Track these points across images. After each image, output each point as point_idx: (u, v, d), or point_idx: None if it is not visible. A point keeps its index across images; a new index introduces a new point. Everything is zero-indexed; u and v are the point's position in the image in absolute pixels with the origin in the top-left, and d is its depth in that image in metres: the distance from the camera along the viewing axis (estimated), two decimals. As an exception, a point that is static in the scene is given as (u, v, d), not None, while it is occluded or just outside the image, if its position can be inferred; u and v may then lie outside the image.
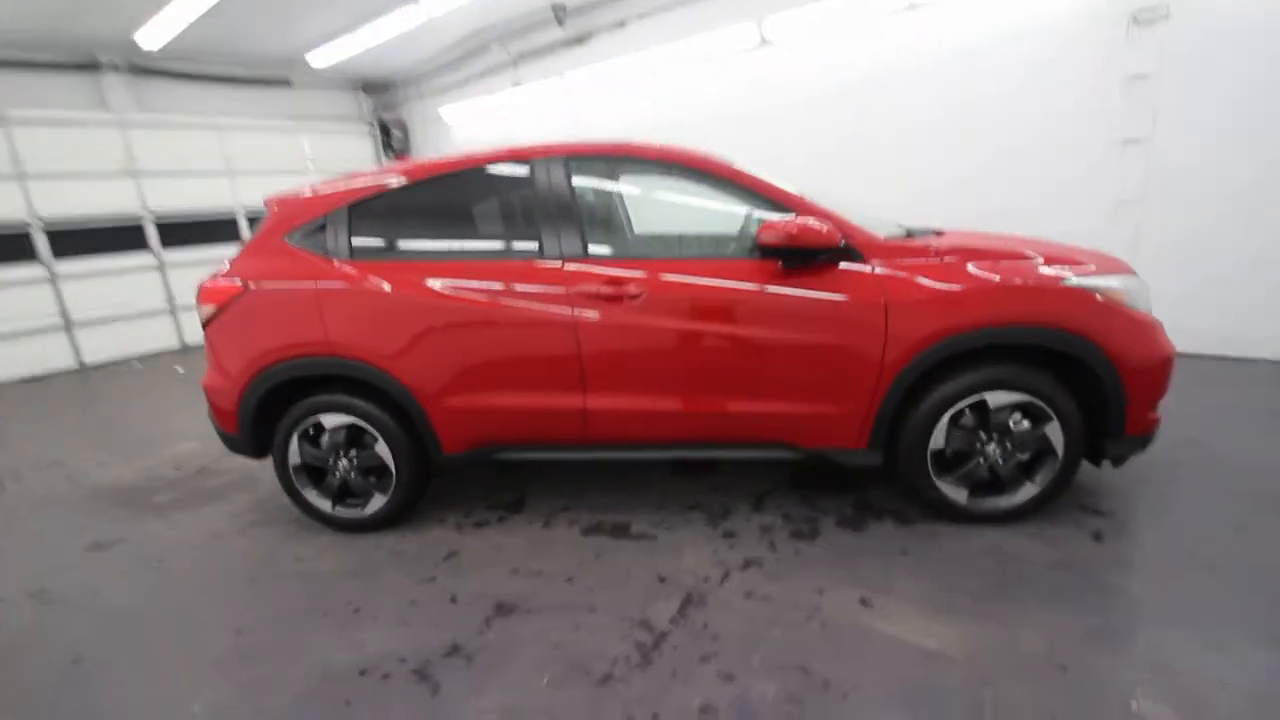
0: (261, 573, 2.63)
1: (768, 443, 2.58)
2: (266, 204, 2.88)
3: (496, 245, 2.74)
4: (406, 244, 2.74)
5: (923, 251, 2.44)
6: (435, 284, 2.56)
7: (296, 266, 2.69)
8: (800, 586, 2.25)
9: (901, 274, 2.38)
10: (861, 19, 5.34)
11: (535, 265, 2.53)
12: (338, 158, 9.50)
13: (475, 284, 2.54)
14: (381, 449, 2.72)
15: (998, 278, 2.35)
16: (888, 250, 2.43)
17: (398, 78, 9.61)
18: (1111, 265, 2.52)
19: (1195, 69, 4.06)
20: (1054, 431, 2.40)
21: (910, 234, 2.71)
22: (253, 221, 8.52)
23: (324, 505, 2.85)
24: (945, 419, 2.43)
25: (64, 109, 6.98)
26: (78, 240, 7.09)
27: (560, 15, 7.08)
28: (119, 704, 1.95)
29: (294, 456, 2.79)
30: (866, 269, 2.39)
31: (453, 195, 2.77)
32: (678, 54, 6.45)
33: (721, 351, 2.47)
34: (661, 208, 2.83)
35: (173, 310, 7.90)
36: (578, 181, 2.59)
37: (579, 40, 7.35)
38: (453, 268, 2.60)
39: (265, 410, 2.77)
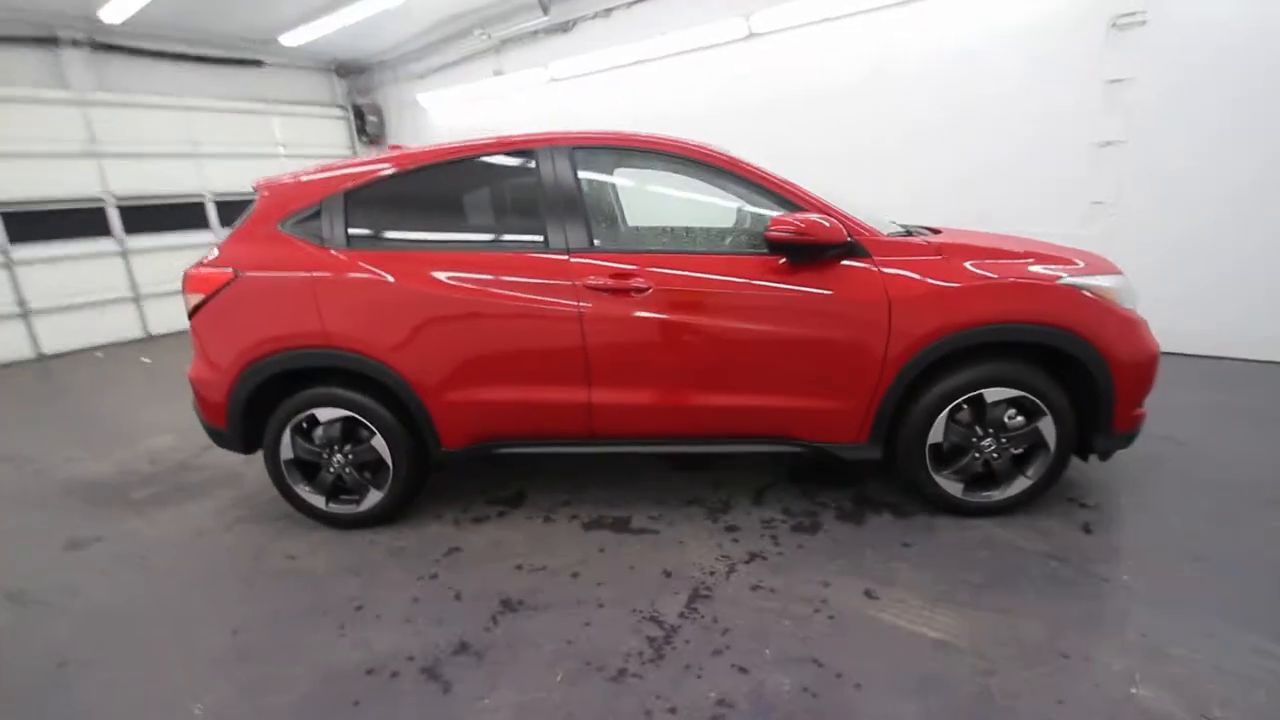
0: (254, 571, 2.56)
1: (771, 437, 2.60)
2: (256, 188, 2.77)
3: (500, 236, 2.69)
4: (407, 233, 2.67)
5: (924, 249, 2.48)
6: (437, 275, 2.51)
7: (290, 255, 2.60)
8: (805, 579, 2.28)
9: (904, 271, 2.41)
10: (846, 18, 5.37)
11: (541, 257, 2.50)
12: (310, 142, 9.24)
13: (479, 276, 2.50)
14: (378, 443, 2.66)
15: (996, 276, 2.41)
16: (891, 247, 2.47)
17: (374, 61, 9.36)
18: (1100, 265, 2.60)
19: (1172, 73, 4.20)
20: (1047, 426, 2.47)
21: (909, 232, 2.75)
22: (221, 207, 8.22)
23: (317, 501, 2.78)
24: (944, 414, 2.48)
25: (19, 85, 6.61)
26: (35, 224, 6.75)
27: (545, 1, 6.97)
28: (111, 707, 1.88)
29: (286, 451, 2.71)
30: (871, 266, 2.42)
31: (455, 184, 2.71)
32: (664, 46, 6.41)
33: (728, 346, 2.48)
34: (668, 201, 2.82)
35: (137, 298, 7.58)
36: (584, 172, 2.56)
37: (563, 28, 7.25)
38: (455, 258, 2.55)
39: (255, 404, 2.68)
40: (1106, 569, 2.26)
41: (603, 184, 2.84)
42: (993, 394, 2.45)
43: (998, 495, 2.57)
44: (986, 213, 4.78)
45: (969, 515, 2.61)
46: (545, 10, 7.08)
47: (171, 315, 7.78)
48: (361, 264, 2.55)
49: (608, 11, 6.85)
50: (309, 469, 2.77)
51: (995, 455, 2.52)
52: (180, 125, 7.75)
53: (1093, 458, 2.62)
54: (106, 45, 7.05)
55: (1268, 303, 4.20)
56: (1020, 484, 2.55)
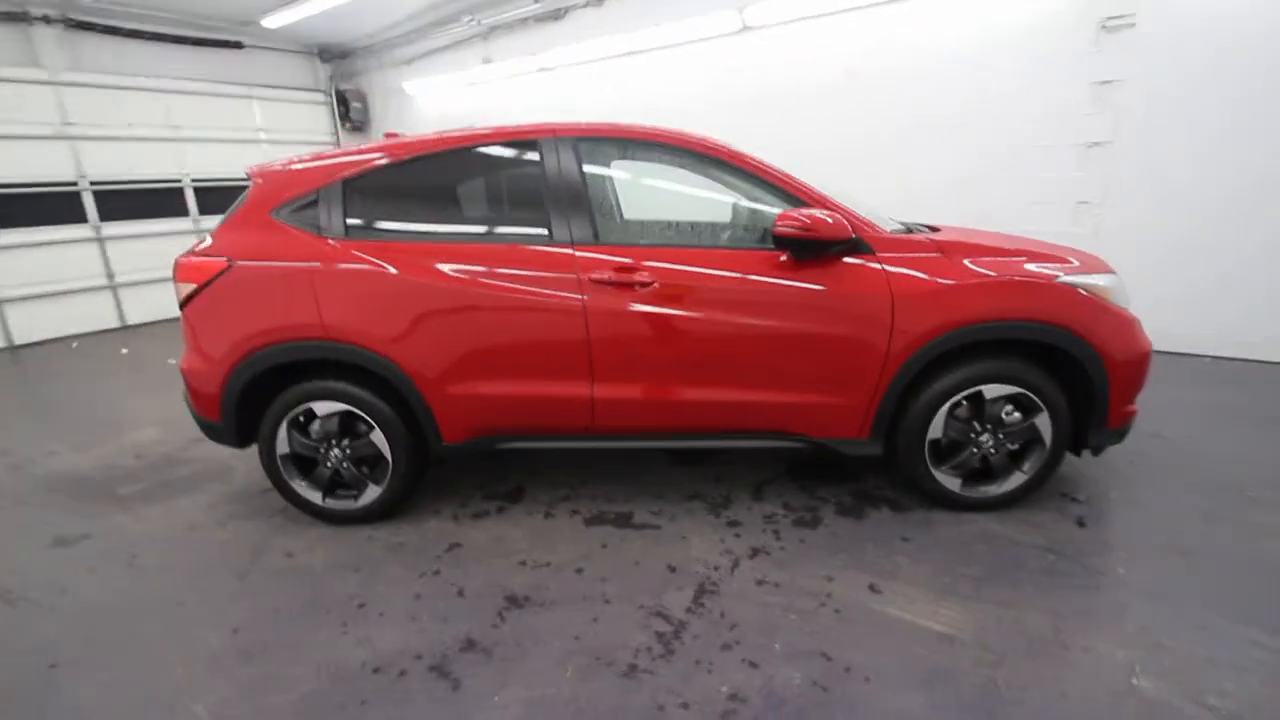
0: (250, 568, 2.51)
1: (773, 433, 2.62)
2: (249, 175, 2.70)
3: (503, 228, 2.65)
4: (407, 223, 2.62)
5: (926, 246, 2.50)
6: (440, 266, 2.47)
7: (286, 244, 2.54)
8: (809, 573, 2.30)
9: (907, 268, 2.43)
10: (838, 15, 5.36)
11: (545, 250, 2.47)
12: (292, 128, 9.03)
13: (482, 268, 2.46)
14: (377, 438, 2.62)
15: (995, 274, 2.44)
16: (893, 244, 2.48)
17: (358, 46, 9.16)
18: (1094, 264, 2.65)
19: (1160, 75, 4.27)
20: (1043, 422, 2.52)
21: (908, 229, 2.77)
22: (200, 192, 8.01)
23: (314, 497, 2.73)
24: (944, 410, 2.51)
25: (-12, 63, 6.37)
26: (4, 208, 6.49)
27: (536, -12, 6.87)
28: (110, 708, 1.84)
29: (282, 445, 2.66)
30: (874, 262, 2.43)
31: (455, 174, 2.67)
32: (657, 37, 6.36)
33: (733, 341, 2.48)
34: (673, 195, 2.80)
35: (113, 286, 7.36)
36: (588, 165, 2.54)
37: (554, 16, 7.15)
38: (458, 250, 2.51)
39: (250, 397, 2.62)
40: (1101, 562, 2.31)
41: (607, 177, 2.81)
42: (991, 390, 2.48)
43: (995, 490, 2.61)
44: (977, 211, 4.82)
45: (966, 510, 2.65)
46: (536, -3, 6.98)
47: (150, 304, 7.58)
48: (361, 254, 2.50)
49: (600, 0, 6.77)
50: (305, 464, 2.72)
51: (993, 451, 2.56)
52: (158, 108, 7.52)
53: (1082, 453, 2.67)
54: (80, 23, 6.78)
55: (1249, 303, 4.31)
56: (1016, 479, 2.60)
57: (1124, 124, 4.46)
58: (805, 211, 2.33)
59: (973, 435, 2.55)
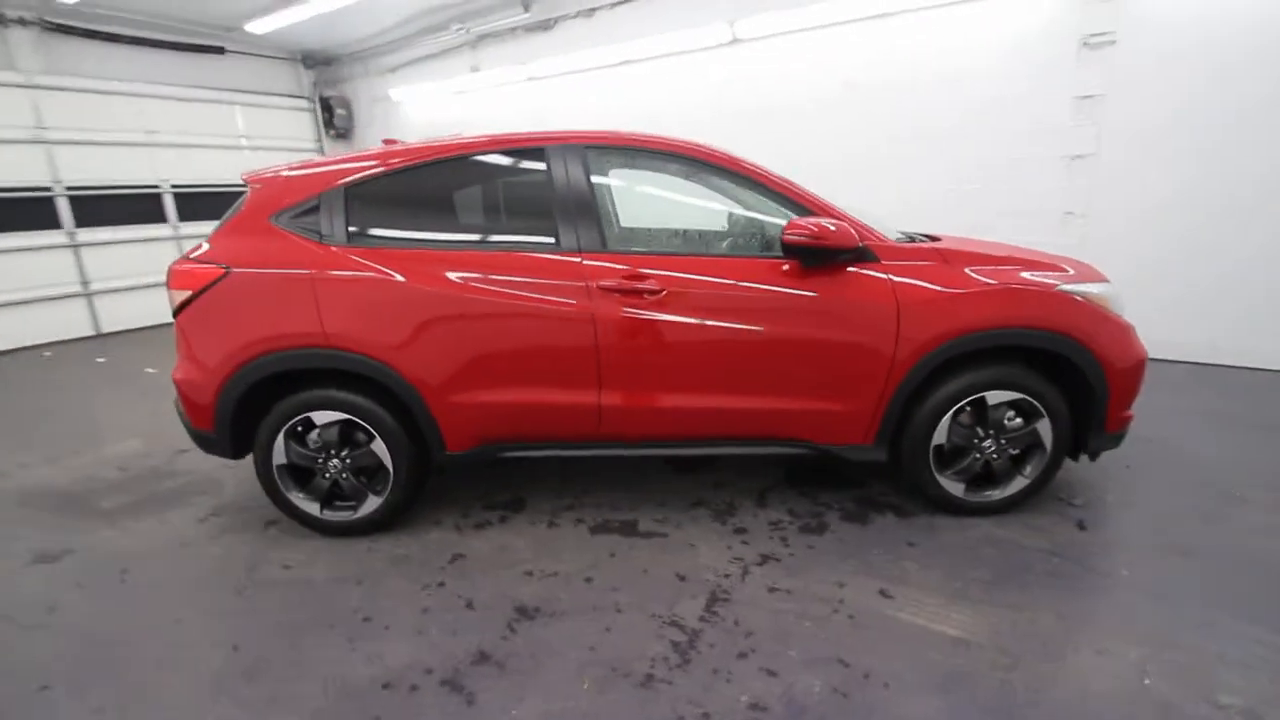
0: (247, 582, 2.43)
1: (780, 439, 2.62)
2: (247, 180, 2.65)
3: (509, 235, 2.64)
4: (411, 230, 2.59)
5: (929, 255, 2.54)
6: (444, 274, 2.44)
7: (286, 250, 2.49)
8: (820, 580, 2.30)
9: (912, 276, 2.47)
10: (826, 29, 5.46)
11: (553, 258, 2.46)
12: (275, 134, 8.91)
13: (489, 275, 2.44)
14: (378, 447, 2.57)
15: (997, 282, 2.48)
16: (898, 253, 2.52)
17: (343, 52, 9.08)
18: (1089, 273, 2.71)
19: (1140, 90, 4.41)
20: (1044, 428, 2.56)
21: (910, 239, 2.81)
22: (179, 198, 7.83)
23: (311, 508, 2.66)
24: (948, 416, 2.54)
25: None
26: (-26, 213, 6.31)
27: (527, -2, 6.89)
28: (106, 733, 1.76)
29: (279, 456, 2.59)
30: (880, 270, 2.46)
31: (460, 181, 2.65)
32: (647, 49, 6.40)
33: (740, 348, 2.48)
34: (680, 203, 2.81)
35: (88, 294, 7.14)
36: (596, 172, 2.54)
37: (544, 27, 7.18)
38: (464, 258, 2.48)
39: (246, 407, 2.56)
40: (1104, 564, 2.35)
41: (615, 185, 2.81)
42: (994, 396, 2.52)
43: (998, 495, 2.64)
44: (967, 223, 4.91)
45: (969, 515, 2.68)
46: (526, 7, 7.00)
47: (126, 312, 7.38)
48: (364, 261, 2.46)
49: (590, 11, 6.80)
50: (302, 475, 2.66)
51: (995, 456, 2.59)
52: (136, 112, 7.35)
53: (1079, 458, 2.72)
54: (57, 26, 6.61)
55: (1227, 312, 4.46)
56: (1018, 483, 2.63)
57: (1105, 137, 4.60)
58: (814, 220, 2.35)
59: (975, 441, 2.58)
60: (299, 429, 2.58)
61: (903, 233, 2.89)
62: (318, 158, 2.69)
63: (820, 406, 2.54)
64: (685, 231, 2.81)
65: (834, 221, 2.36)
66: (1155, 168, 4.47)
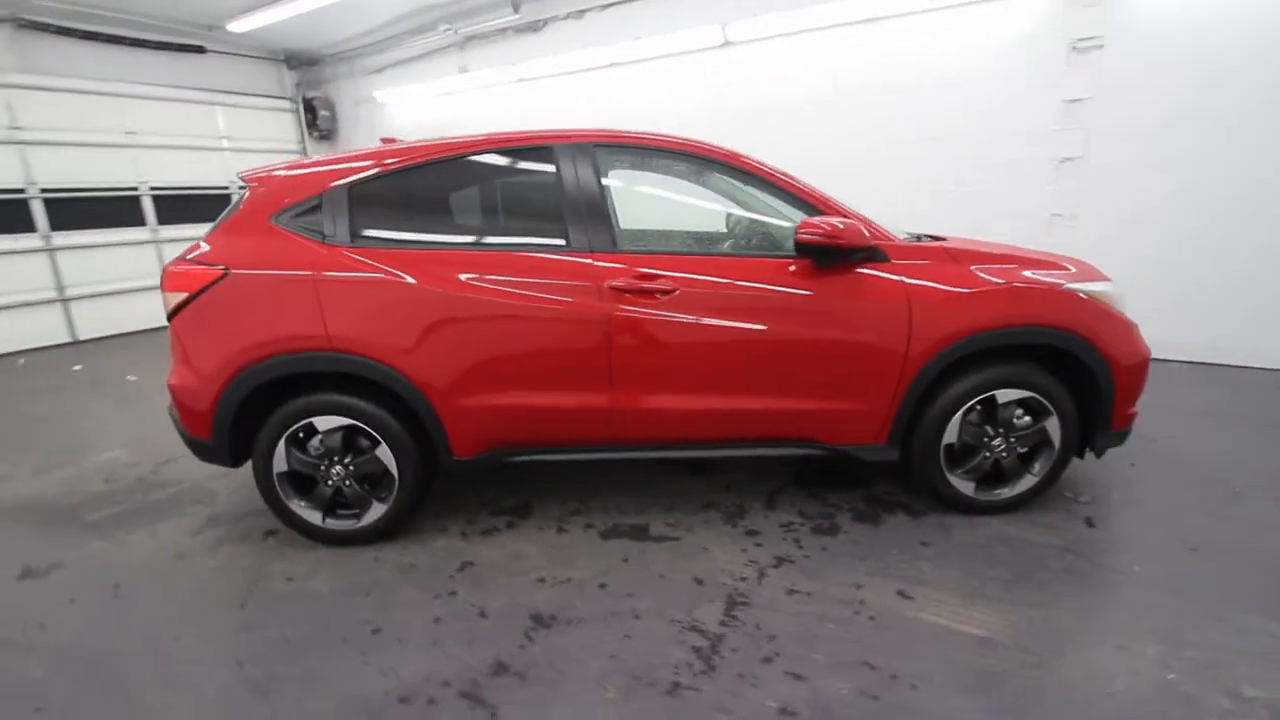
0: (249, 596, 2.35)
1: (792, 440, 2.61)
2: (245, 179, 2.57)
3: (517, 235, 2.59)
4: (416, 230, 2.53)
5: (939, 254, 2.55)
6: (453, 275, 2.39)
7: (288, 251, 2.42)
8: (837, 581, 2.29)
9: (923, 275, 2.47)
10: (817, 31, 5.49)
11: (563, 258, 2.42)
12: (257, 135, 8.73)
13: (498, 275, 2.39)
14: (383, 453, 2.51)
15: (1005, 281, 2.50)
16: (908, 252, 2.52)
17: (327, 52, 8.93)
18: (1092, 271, 2.74)
19: (1128, 95, 4.49)
20: (1052, 425, 2.57)
21: (917, 239, 2.81)
22: (159, 201, 7.62)
23: (313, 517, 2.59)
24: (959, 415, 2.54)
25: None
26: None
27: (516, -1, 6.84)
28: (109, 757, 1.68)
29: (280, 464, 2.51)
30: (892, 269, 2.46)
31: (467, 179, 2.61)
32: (638, 50, 6.38)
33: (753, 348, 2.46)
34: (691, 202, 2.79)
35: (64, 299, 6.92)
36: (607, 171, 2.51)
37: (533, 28, 7.13)
38: (472, 258, 2.44)
39: (245, 413, 2.48)
40: (1116, 560, 2.37)
41: (625, 184, 2.78)
42: (1004, 395, 2.53)
43: (1008, 493, 2.65)
44: (959, 224, 4.96)
45: (979, 513, 2.68)
46: (516, 8, 6.94)
47: (104, 318, 7.16)
48: (370, 262, 2.40)
49: (580, 13, 6.77)
50: (303, 482, 2.58)
51: (1005, 454, 2.60)
52: (113, 113, 7.14)
53: (1085, 455, 2.74)
54: (32, 23, 6.41)
55: (1217, 310, 4.54)
56: (1027, 481, 2.65)
57: (1094, 140, 4.68)
58: (828, 219, 2.34)
59: (986, 439, 2.59)
60: (300, 435, 2.51)
61: (908, 233, 2.89)
62: (318, 156, 2.61)
63: (834, 406, 2.53)
64: (697, 231, 2.79)
65: (846, 220, 2.35)
66: (1143, 172, 4.55)
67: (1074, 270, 2.65)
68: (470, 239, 2.58)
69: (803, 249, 2.38)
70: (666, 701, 1.77)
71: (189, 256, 2.49)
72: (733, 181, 2.61)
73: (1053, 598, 2.14)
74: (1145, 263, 4.63)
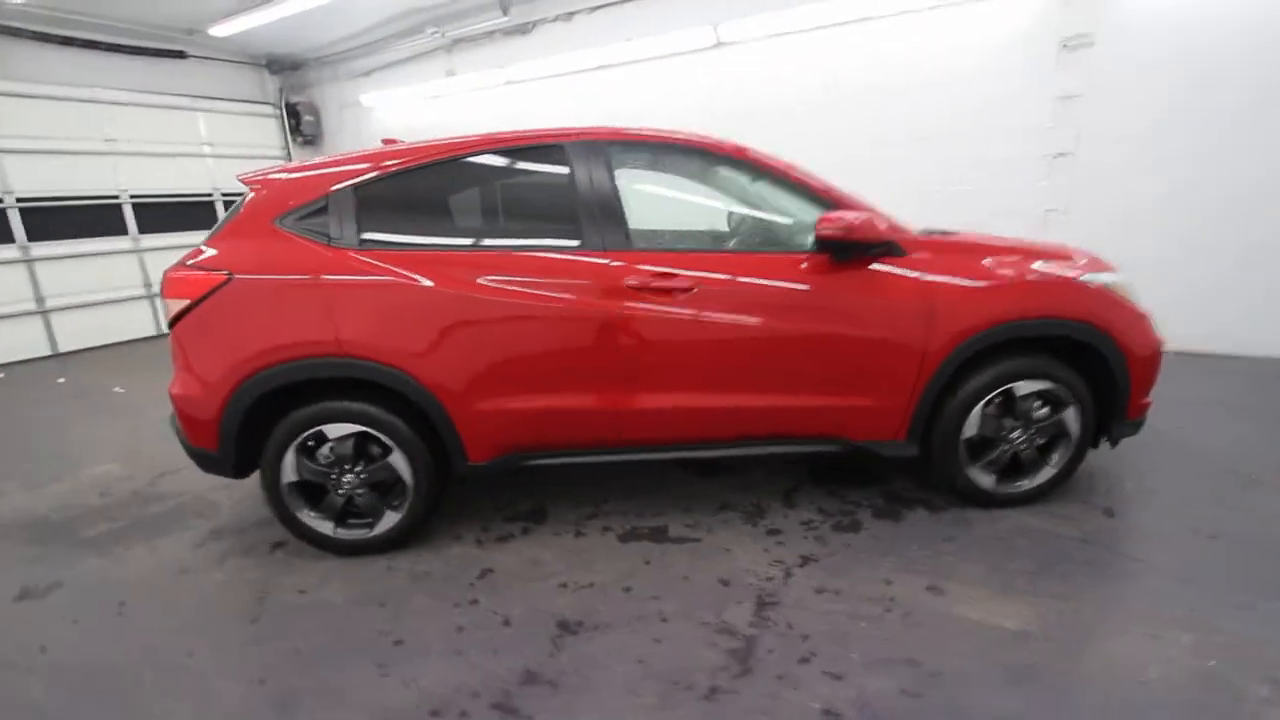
0: (261, 610, 2.27)
1: (812, 437, 2.58)
2: (245, 183, 2.50)
3: (530, 235, 2.54)
4: (425, 232, 2.48)
5: (954, 248, 2.54)
6: (465, 276, 2.34)
7: (293, 255, 2.35)
8: (866, 578, 2.26)
9: (940, 268, 2.46)
10: (811, 32, 5.50)
11: (578, 258, 2.38)
12: (239, 141, 8.56)
13: (512, 276, 2.35)
14: (396, 460, 2.44)
15: (1021, 274, 2.50)
16: (924, 246, 2.51)
17: (311, 56, 8.80)
18: (1098, 263, 2.75)
19: (1117, 90, 4.55)
20: (1070, 416, 2.58)
21: (929, 234, 2.81)
22: (139, 209, 7.44)
23: (324, 527, 2.51)
24: (979, 408, 2.54)
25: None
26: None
27: (505, 1, 6.78)
28: (126, 784, 1.60)
29: (289, 473, 2.44)
30: (909, 263, 2.45)
31: (477, 179, 2.55)
32: (628, 52, 6.36)
33: (772, 345, 2.44)
34: (704, 200, 2.76)
35: (43, 311, 6.72)
36: (619, 170, 2.47)
37: (522, 30, 7.07)
38: (485, 259, 2.39)
39: (251, 422, 2.40)
40: (1138, 550, 2.38)
41: (638, 182, 2.74)
42: (1023, 387, 2.53)
43: (1027, 484, 2.65)
44: (957, 222, 4.98)
45: (998, 506, 2.68)
46: (505, 11, 6.89)
47: (85, 330, 6.96)
48: (380, 265, 2.34)
49: (569, 15, 6.74)
50: (313, 492, 2.51)
51: (1023, 446, 2.60)
52: (92, 119, 6.96)
53: (1099, 445, 2.75)
54: (7, 29, 6.23)
55: (1211, 302, 4.61)
56: (1046, 473, 2.65)
57: (1085, 137, 4.73)
58: (847, 214, 2.32)
59: (1004, 432, 2.59)
60: (309, 444, 2.43)
61: (921, 228, 2.89)
62: (322, 158, 2.55)
63: (854, 402, 2.51)
64: (709, 229, 2.76)
65: (863, 215, 2.34)
66: (1134, 170, 4.61)
67: (1085, 261, 2.66)
68: (481, 240, 2.53)
69: (823, 243, 2.36)
70: (705, 706, 1.73)
71: (190, 262, 2.41)
72: (744, 177, 2.58)
73: (1078, 589, 2.13)
74: (1145, 261, 4.68)
